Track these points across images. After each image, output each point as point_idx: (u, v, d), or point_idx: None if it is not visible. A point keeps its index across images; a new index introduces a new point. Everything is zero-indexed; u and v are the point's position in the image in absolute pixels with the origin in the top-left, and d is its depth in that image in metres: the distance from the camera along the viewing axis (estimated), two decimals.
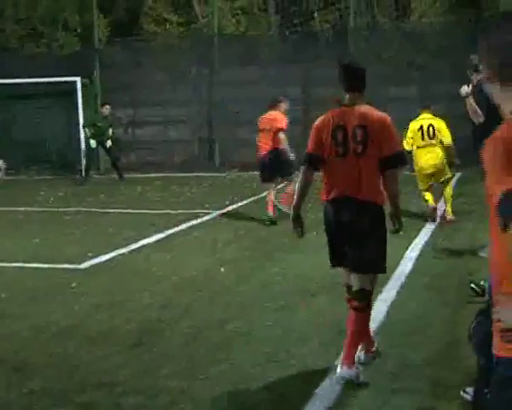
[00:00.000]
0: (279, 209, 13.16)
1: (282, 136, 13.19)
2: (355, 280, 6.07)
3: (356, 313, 5.98)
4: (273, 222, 12.86)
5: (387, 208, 6.16)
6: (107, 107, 22.30)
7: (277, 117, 13.50)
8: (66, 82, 23.32)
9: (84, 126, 22.41)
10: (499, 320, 2.68)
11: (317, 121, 6.32)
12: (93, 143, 22.06)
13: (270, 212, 13.08)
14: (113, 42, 25.35)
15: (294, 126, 22.76)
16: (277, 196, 13.55)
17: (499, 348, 2.73)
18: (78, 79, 23.31)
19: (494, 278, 2.80)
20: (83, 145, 23.08)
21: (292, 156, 13.01)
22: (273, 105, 14.12)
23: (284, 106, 14.03)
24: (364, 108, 6.14)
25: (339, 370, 5.87)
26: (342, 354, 5.90)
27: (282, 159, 13.14)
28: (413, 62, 22.35)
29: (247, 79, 23.53)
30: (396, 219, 6.43)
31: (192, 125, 24.47)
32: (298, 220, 6.56)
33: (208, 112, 24.31)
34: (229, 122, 23.65)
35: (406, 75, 22.31)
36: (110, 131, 22.17)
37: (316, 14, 23.86)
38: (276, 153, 13.21)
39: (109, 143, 22.00)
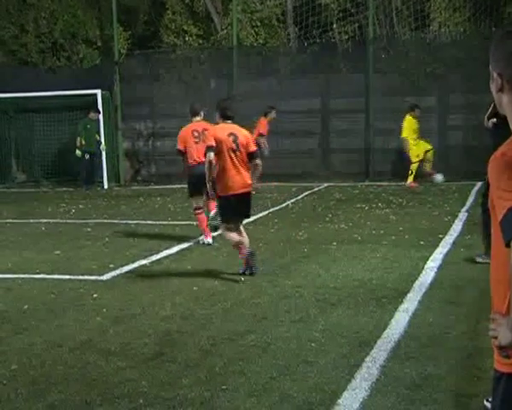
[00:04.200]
0: None
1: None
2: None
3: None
4: None
5: None
6: (95, 114, 22.73)
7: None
8: (86, 95, 23.45)
9: (78, 135, 22.72)
10: (496, 337, 2.72)
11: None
12: (78, 152, 22.44)
13: None
14: (133, 55, 25.43)
15: (314, 136, 22.88)
16: None
17: (499, 364, 2.80)
18: (98, 92, 23.42)
19: (493, 294, 2.84)
20: (104, 157, 23.26)
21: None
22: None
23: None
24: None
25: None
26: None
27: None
28: (431, 73, 22.30)
29: (266, 91, 23.53)
30: None
31: None
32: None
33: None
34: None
35: (424, 85, 22.27)
36: (97, 136, 22.65)
37: (334, 25, 23.78)
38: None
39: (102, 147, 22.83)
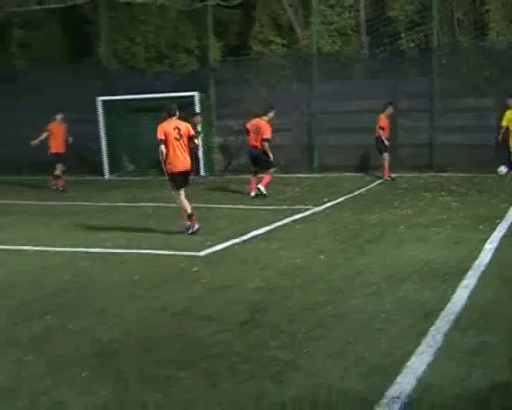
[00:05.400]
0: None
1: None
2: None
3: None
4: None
5: None
6: (199, 118, 22.80)
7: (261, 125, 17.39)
8: (185, 96, 23.67)
9: None
10: None
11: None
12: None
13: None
14: (226, 61, 25.55)
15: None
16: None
17: None
18: (196, 94, 23.66)
19: None
20: (200, 150, 23.46)
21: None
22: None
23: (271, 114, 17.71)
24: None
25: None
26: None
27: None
28: (489, 77, 21.88)
29: (342, 93, 23.45)
30: None
31: (294, 132, 24.48)
32: None
33: (308, 121, 24.32)
34: (326, 130, 23.61)
35: (483, 88, 21.86)
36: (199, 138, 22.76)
37: (402, 35, 23.44)
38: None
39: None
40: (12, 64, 27.65)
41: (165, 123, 12.27)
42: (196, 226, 12.19)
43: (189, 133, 12.34)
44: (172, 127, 12.15)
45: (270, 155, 17.17)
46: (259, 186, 17.22)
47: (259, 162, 17.31)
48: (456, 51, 22.57)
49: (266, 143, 17.13)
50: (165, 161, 12.19)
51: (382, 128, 20.07)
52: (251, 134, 17.49)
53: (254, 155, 17.44)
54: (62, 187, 20.71)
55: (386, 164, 20.30)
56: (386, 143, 20.05)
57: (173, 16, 25.83)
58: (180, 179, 12.30)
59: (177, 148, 12.14)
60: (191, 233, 12.03)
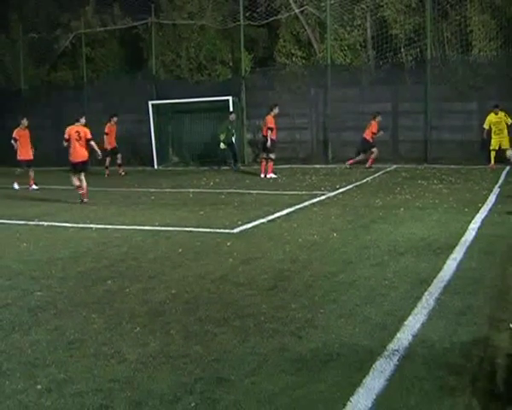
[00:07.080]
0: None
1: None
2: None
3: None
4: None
5: None
6: (233, 116, 22.69)
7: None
8: (221, 100, 23.67)
9: (219, 133, 22.66)
10: None
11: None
12: (222, 145, 22.44)
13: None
14: (255, 71, 25.52)
15: (387, 130, 22.50)
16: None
17: None
18: (230, 98, 23.63)
19: None
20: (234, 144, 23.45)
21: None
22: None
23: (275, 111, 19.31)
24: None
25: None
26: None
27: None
28: (473, 85, 21.81)
29: (352, 97, 23.36)
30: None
31: (311, 130, 24.44)
32: None
33: (323, 121, 24.24)
34: (339, 128, 23.54)
35: (468, 94, 21.79)
36: (233, 131, 22.68)
37: (402, 49, 23.27)
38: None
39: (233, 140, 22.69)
40: (80, 76, 27.93)
41: (71, 126, 14.73)
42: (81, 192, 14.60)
43: (85, 136, 14.62)
44: (74, 131, 14.59)
45: (269, 142, 18.98)
46: (269, 176, 19.02)
47: (265, 148, 19.25)
48: (446, 64, 22.44)
49: (269, 132, 18.91)
50: (69, 154, 14.61)
51: (374, 133, 20.58)
52: (262, 127, 19.66)
53: (263, 143, 19.50)
54: (107, 175, 21.29)
55: (374, 156, 20.73)
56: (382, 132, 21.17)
57: (211, 34, 25.85)
58: (77, 167, 14.63)
59: (76, 145, 14.50)
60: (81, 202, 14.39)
